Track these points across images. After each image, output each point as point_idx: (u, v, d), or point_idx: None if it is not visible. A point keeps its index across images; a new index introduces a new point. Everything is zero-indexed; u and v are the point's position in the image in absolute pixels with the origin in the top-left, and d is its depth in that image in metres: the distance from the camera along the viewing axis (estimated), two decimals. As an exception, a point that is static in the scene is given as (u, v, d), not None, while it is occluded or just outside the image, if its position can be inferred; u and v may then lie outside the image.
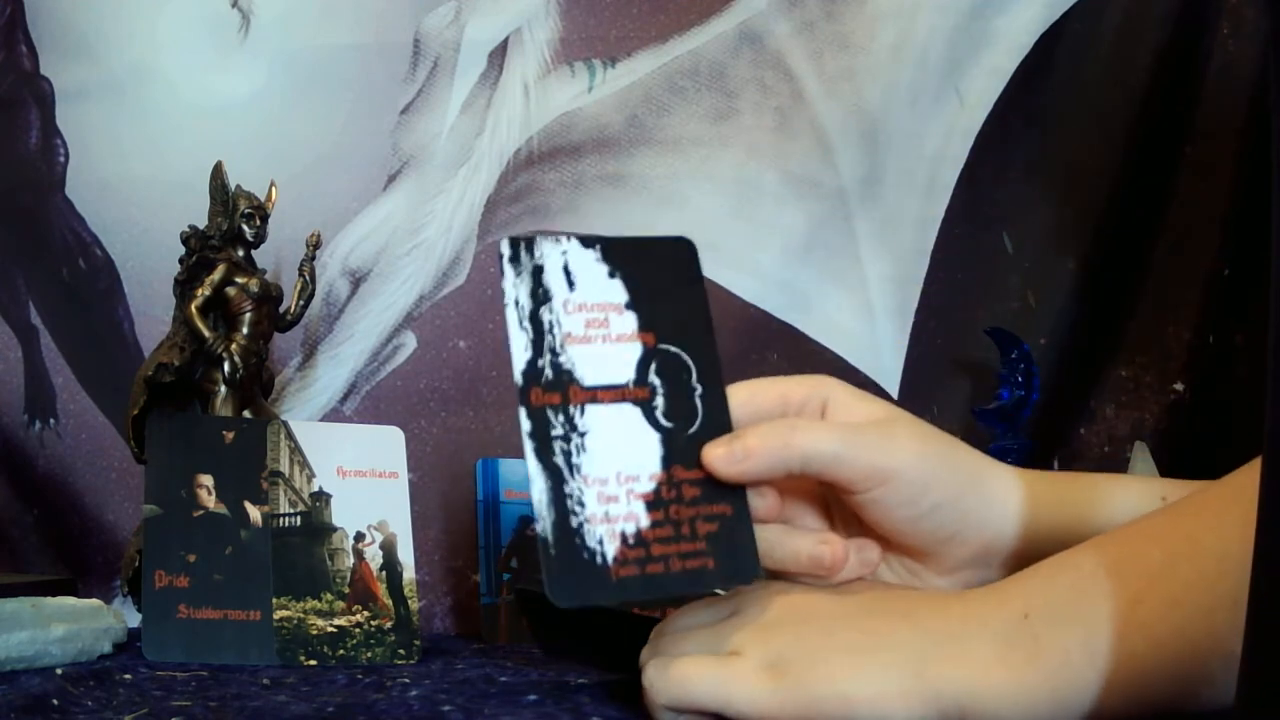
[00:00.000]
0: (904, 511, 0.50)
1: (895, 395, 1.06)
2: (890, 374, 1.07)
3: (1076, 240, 1.06)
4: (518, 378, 0.46)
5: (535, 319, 0.47)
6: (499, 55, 1.08)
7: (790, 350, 1.06)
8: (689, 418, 0.49)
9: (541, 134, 1.08)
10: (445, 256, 1.07)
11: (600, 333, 0.48)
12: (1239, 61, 1.04)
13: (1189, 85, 1.06)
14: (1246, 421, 0.97)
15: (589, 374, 0.48)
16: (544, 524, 0.45)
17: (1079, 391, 1.06)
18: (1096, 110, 1.07)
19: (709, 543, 0.47)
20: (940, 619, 0.46)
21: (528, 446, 0.46)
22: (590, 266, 0.49)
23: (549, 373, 0.47)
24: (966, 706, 0.43)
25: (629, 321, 0.49)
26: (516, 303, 0.47)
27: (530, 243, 0.48)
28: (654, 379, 0.49)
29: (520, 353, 0.47)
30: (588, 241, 0.49)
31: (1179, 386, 1.04)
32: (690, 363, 0.49)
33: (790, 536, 0.50)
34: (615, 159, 1.08)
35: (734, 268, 1.06)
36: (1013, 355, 1.00)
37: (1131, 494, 0.53)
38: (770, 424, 0.49)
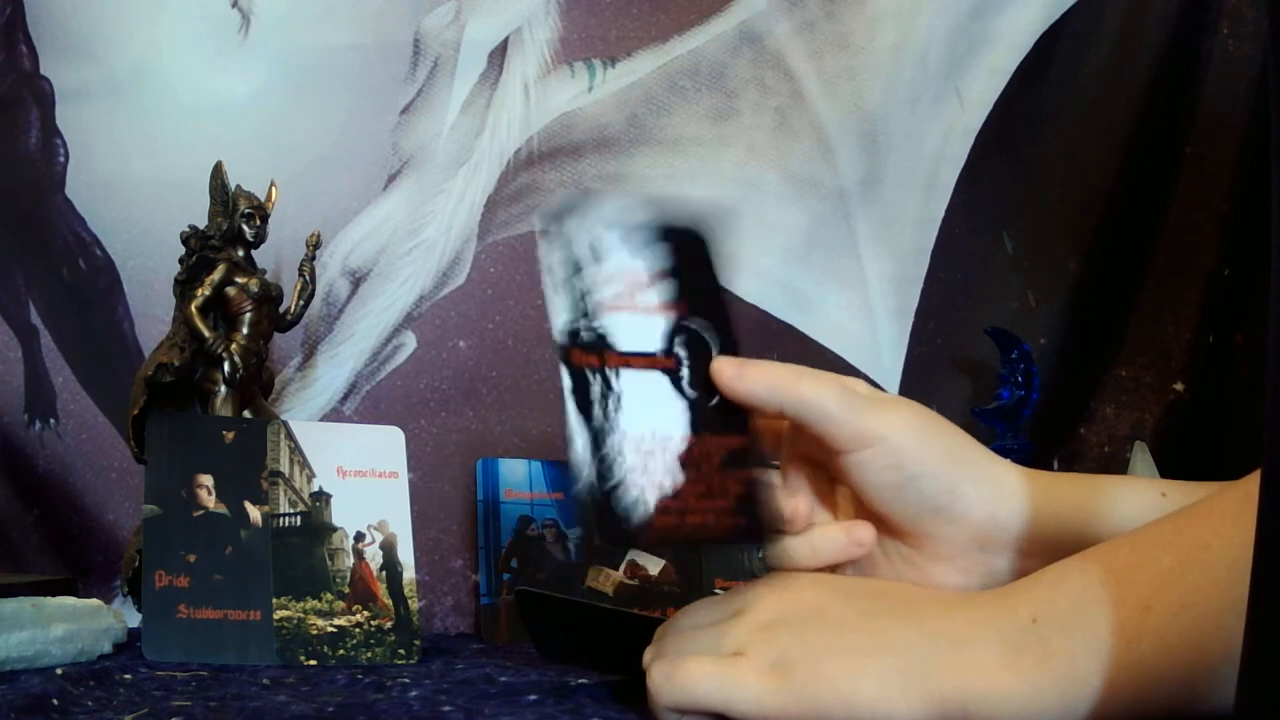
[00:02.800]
0: (886, 477, 0.51)
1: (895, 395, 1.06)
2: (890, 374, 1.07)
3: (1076, 240, 1.06)
4: (559, 337, 0.49)
5: (569, 285, 0.50)
6: (499, 55, 1.08)
7: (790, 350, 1.06)
8: (710, 390, 0.51)
9: (541, 134, 1.08)
10: (445, 256, 1.07)
11: (631, 302, 0.51)
12: (1239, 61, 1.04)
13: (1189, 85, 1.06)
14: (1246, 421, 0.97)
15: (622, 340, 0.50)
16: (587, 474, 0.47)
17: (1079, 391, 1.06)
18: (1096, 110, 1.07)
19: (738, 503, 0.49)
20: (947, 622, 0.46)
21: (569, 403, 0.48)
22: (614, 244, 0.51)
23: (585, 335, 0.49)
24: (971, 711, 0.43)
25: (653, 295, 0.51)
26: (550, 269, 0.50)
27: (563, 214, 0.51)
28: (679, 350, 0.51)
29: (560, 313, 0.49)
30: (612, 219, 0.51)
31: (1179, 386, 1.05)
32: (709, 336, 0.52)
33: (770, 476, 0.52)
34: (615, 159, 1.08)
35: (734, 268, 1.06)
36: (1013, 355, 1.00)
37: (1134, 491, 0.53)
38: (783, 365, 0.51)
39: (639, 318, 0.51)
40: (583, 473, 0.47)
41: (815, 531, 0.52)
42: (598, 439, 0.48)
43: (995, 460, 0.53)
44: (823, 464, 0.54)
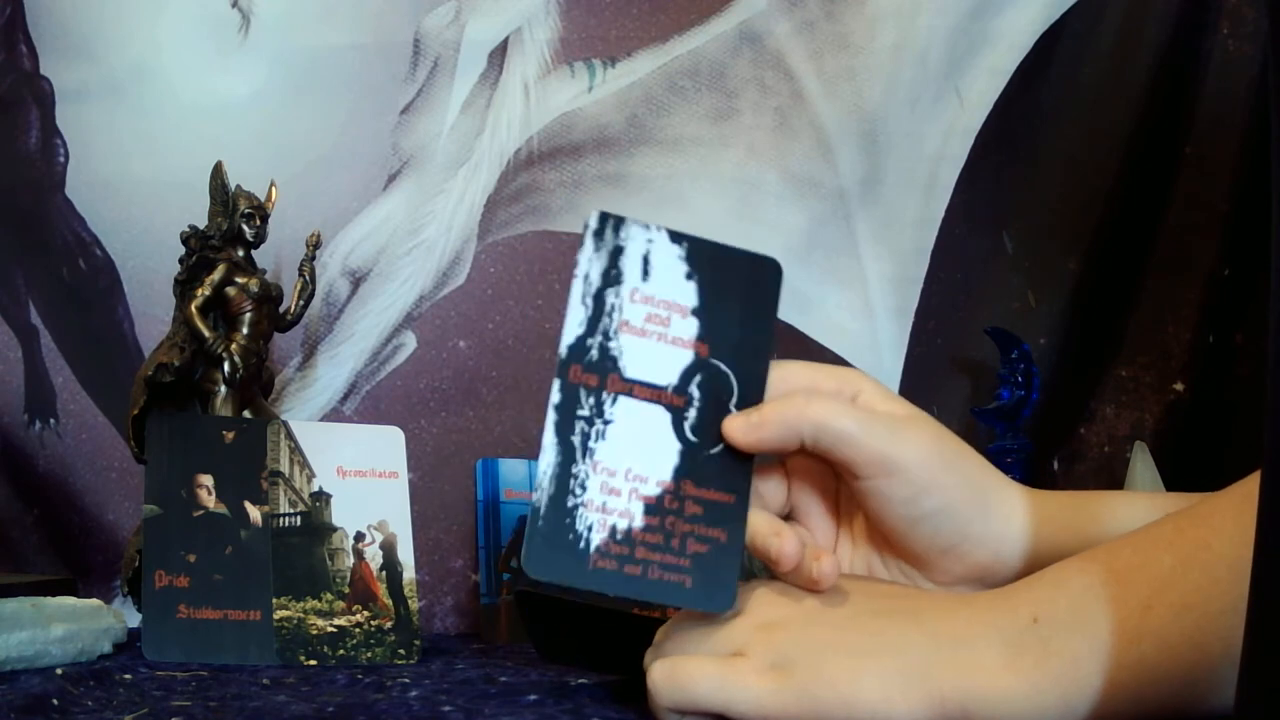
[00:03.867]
0: (904, 510, 0.50)
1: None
2: (890, 374, 1.07)
3: (1076, 240, 1.06)
4: (562, 350, 0.47)
5: (599, 298, 0.48)
6: (499, 55, 1.08)
7: (790, 350, 1.06)
8: (715, 438, 0.49)
9: (541, 134, 1.08)
10: (445, 256, 1.07)
11: (658, 329, 0.48)
12: (1239, 61, 1.04)
13: (1189, 85, 1.06)
14: (1247, 421, 0.97)
15: (632, 366, 0.48)
16: (540, 495, 0.46)
17: (1079, 391, 1.06)
18: (1096, 110, 1.07)
19: (694, 562, 0.47)
20: (948, 622, 0.46)
21: (550, 418, 0.47)
22: (671, 262, 0.49)
23: (594, 354, 0.47)
24: (972, 711, 0.43)
25: (690, 327, 0.49)
26: (586, 277, 0.48)
27: (620, 222, 0.48)
28: (694, 390, 0.49)
29: (573, 327, 0.47)
30: (676, 237, 0.49)
31: (1179, 386, 1.05)
32: (735, 385, 0.49)
33: (755, 517, 0.50)
34: (615, 159, 1.08)
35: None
36: (1013, 355, 0.99)
37: (1139, 513, 0.52)
38: (789, 395, 0.49)
39: (662, 347, 0.48)
40: (538, 492, 0.46)
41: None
42: (566, 462, 0.46)
43: (1004, 491, 0.53)
44: (834, 489, 0.54)
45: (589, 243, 0.48)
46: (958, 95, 1.08)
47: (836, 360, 1.06)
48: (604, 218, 0.48)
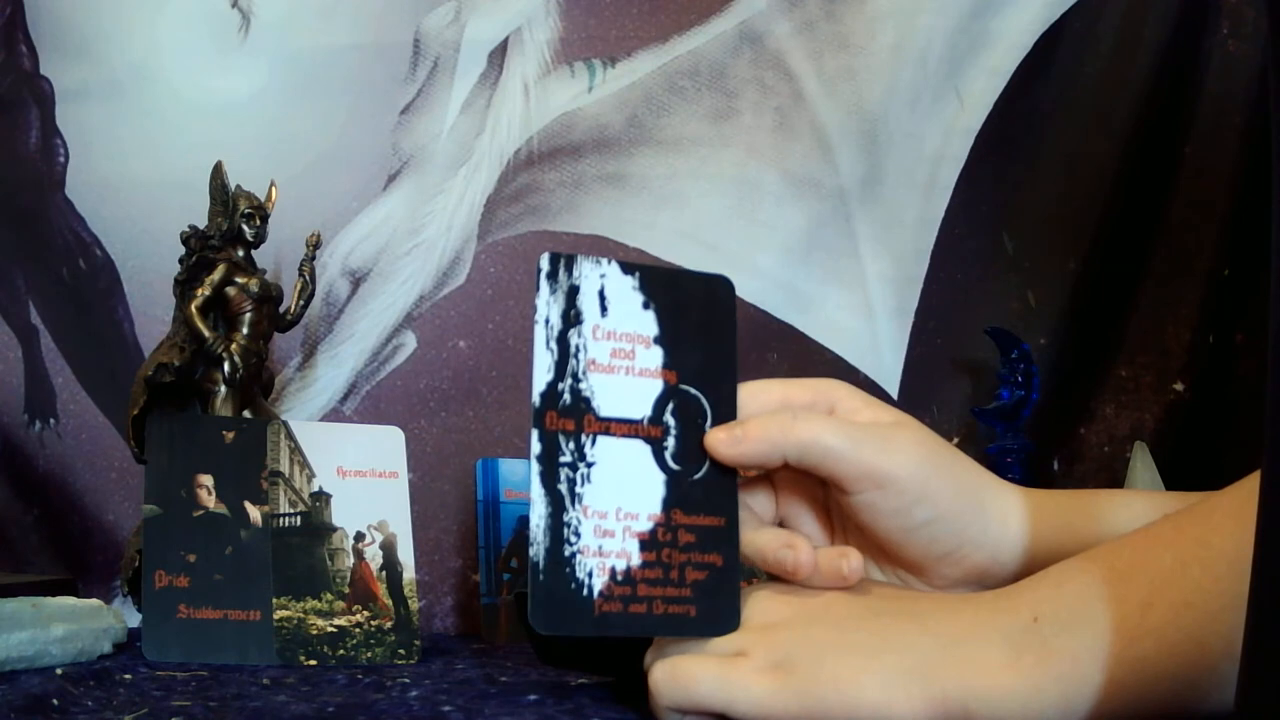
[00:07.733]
0: (896, 521, 0.50)
1: (895, 395, 1.06)
2: (890, 374, 1.07)
3: (1076, 240, 1.06)
4: (535, 399, 0.47)
5: (563, 340, 0.47)
6: (499, 55, 1.08)
7: (790, 350, 1.06)
8: (697, 462, 0.49)
9: (541, 134, 1.08)
10: (445, 256, 1.07)
11: (624, 364, 0.48)
12: (1239, 61, 1.04)
13: (1189, 85, 1.06)
14: (1247, 421, 0.97)
15: (606, 404, 0.48)
16: (537, 549, 0.46)
17: (1079, 391, 1.06)
18: (1096, 110, 1.07)
19: (695, 590, 0.48)
20: (949, 622, 0.46)
21: (534, 469, 0.46)
22: (626, 294, 0.49)
23: (567, 398, 0.47)
24: (973, 710, 0.43)
25: (655, 356, 0.49)
26: (547, 321, 0.47)
27: (570, 261, 0.48)
28: (669, 419, 0.49)
29: (542, 374, 0.47)
30: (627, 268, 0.49)
31: (1179, 386, 1.05)
32: (707, 407, 0.49)
33: (760, 534, 0.50)
34: (615, 159, 1.08)
35: (734, 268, 1.05)
36: (1013, 355, 1.00)
37: (1137, 513, 0.52)
38: (774, 412, 0.49)
39: (631, 380, 0.48)
40: (534, 546, 0.46)
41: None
42: (556, 512, 0.46)
43: (998, 494, 0.52)
44: (823, 498, 0.53)
45: (544, 286, 0.47)
46: (958, 95, 1.08)
47: (836, 360, 1.07)
48: (554, 258, 0.48)
